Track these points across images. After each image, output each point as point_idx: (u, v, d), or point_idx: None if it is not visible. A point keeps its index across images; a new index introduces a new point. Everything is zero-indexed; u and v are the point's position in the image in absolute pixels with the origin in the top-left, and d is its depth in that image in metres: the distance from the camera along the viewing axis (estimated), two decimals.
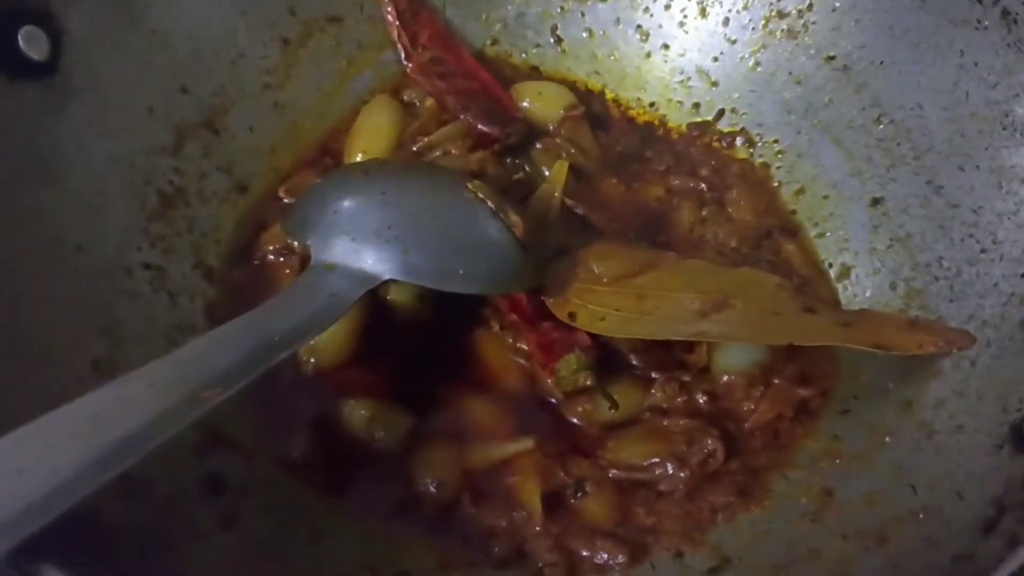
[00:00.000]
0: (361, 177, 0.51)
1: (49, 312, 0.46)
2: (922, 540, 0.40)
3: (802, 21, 0.60)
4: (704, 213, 0.59)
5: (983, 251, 0.49)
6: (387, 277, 0.47)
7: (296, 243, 0.55)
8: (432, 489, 0.48)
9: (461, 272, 0.48)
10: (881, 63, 0.56)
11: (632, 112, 0.65)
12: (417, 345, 0.53)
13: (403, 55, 0.62)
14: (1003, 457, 0.40)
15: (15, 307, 0.44)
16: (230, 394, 0.39)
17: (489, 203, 0.51)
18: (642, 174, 0.62)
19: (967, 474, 0.41)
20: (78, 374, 0.45)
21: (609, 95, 0.65)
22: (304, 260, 0.55)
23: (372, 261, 0.47)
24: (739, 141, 0.62)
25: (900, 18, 0.55)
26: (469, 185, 0.51)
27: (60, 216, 0.49)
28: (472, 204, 0.50)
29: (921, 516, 0.41)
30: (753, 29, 0.62)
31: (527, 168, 0.61)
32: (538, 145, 0.62)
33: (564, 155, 0.61)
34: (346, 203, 0.49)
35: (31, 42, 0.48)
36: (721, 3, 0.62)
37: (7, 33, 0.47)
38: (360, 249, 0.48)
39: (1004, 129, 0.50)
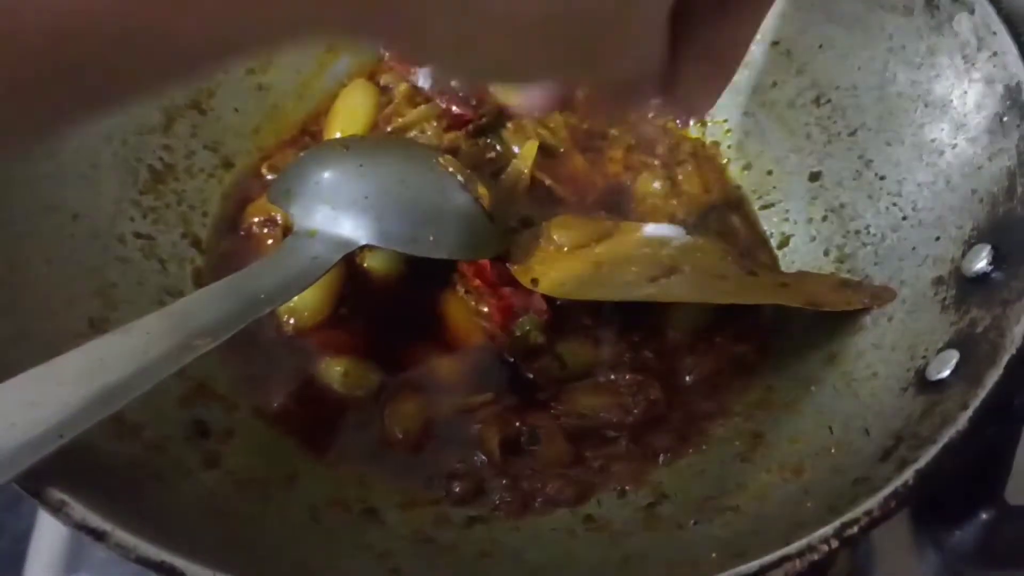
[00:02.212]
0: (341, 151, 0.56)
1: (48, 273, 0.51)
2: (831, 470, 0.44)
3: None
4: (658, 186, 0.64)
5: (904, 218, 0.53)
6: (363, 243, 0.52)
7: (279, 213, 0.59)
8: (399, 436, 0.52)
9: (431, 239, 0.53)
10: (820, 47, 0.60)
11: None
12: (389, 308, 0.58)
13: None
14: (906, 398, 0.44)
15: (16, 268, 0.49)
16: (219, 343, 0.43)
17: (458, 176, 0.55)
18: (604, 150, 0.66)
19: (875, 413, 0.45)
20: (75, 331, 0.49)
21: None
22: (286, 231, 0.59)
23: (350, 227, 0.52)
24: (692, 122, 0.66)
25: (837, 4, 0.59)
26: (440, 159, 0.56)
27: (57, 187, 0.53)
28: (442, 176, 0.55)
29: (833, 451, 0.45)
30: None
31: (498, 147, 0.65)
32: (509, 125, 0.66)
33: (534, 135, 0.65)
34: (327, 175, 0.54)
35: None
36: None
37: None
38: (339, 216, 0.52)
39: (926, 107, 0.54)
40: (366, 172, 0.54)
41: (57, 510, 0.36)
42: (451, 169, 0.55)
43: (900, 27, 0.55)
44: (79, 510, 0.35)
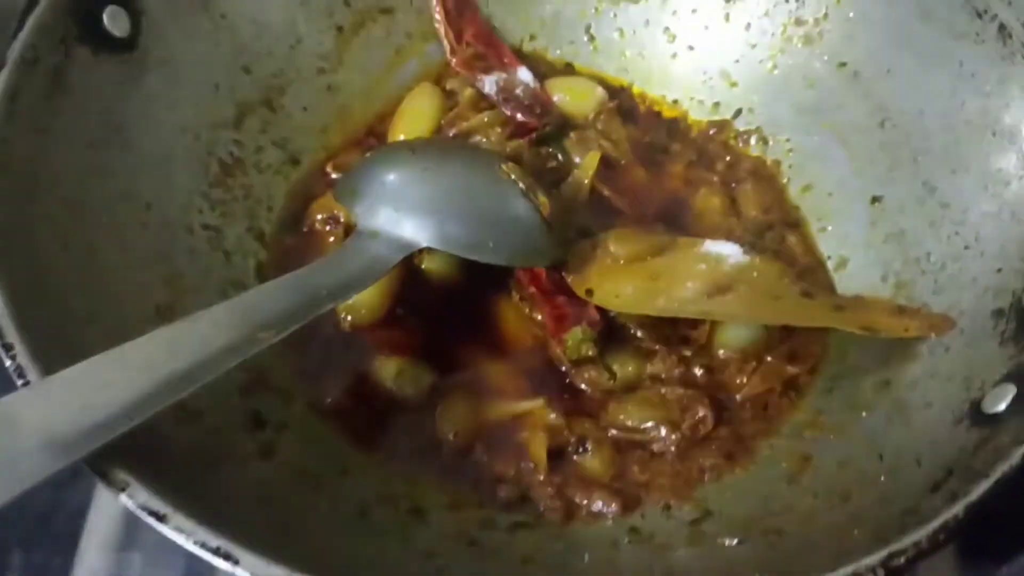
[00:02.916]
0: (407, 154, 0.57)
1: (121, 259, 0.52)
2: (879, 498, 0.44)
3: (818, 29, 0.64)
4: (716, 203, 0.64)
5: (967, 247, 0.53)
6: (424, 245, 0.53)
7: (342, 212, 0.61)
8: (450, 437, 0.53)
9: (491, 244, 0.53)
10: (888, 71, 0.60)
11: (657, 107, 0.69)
12: (445, 310, 0.59)
13: (448, 50, 0.68)
14: (960, 430, 0.44)
15: (93, 252, 0.50)
16: (282, 336, 0.44)
17: (520, 183, 0.56)
18: (665, 164, 0.67)
19: (928, 443, 0.45)
20: (143, 316, 0.51)
21: (636, 91, 0.70)
22: (348, 230, 0.60)
23: (412, 229, 0.53)
24: (753, 139, 0.66)
25: (907, 29, 0.59)
26: (503, 166, 0.57)
27: (133, 176, 0.55)
28: (504, 183, 0.56)
29: (882, 479, 0.45)
30: (772, 35, 0.66)
31: (560, 157, 0.66)
32: (572, 135, 0.66)
33: (596, 146, 0.66)
34: (392, 176, 0.55)
35: (114, 20, 0.54)
36: (744, 9, 0.67)
37: (94, 12, 0.53)
38: (401, 218, 0.53)
39: (994, 135, 0.53)
40: (430, 176, 0.55)
41: (121, 490, 0.37)
42: (513, 176, 0.56)
43: (971, 55, 0.55)
44: (142, 492, 0.37)
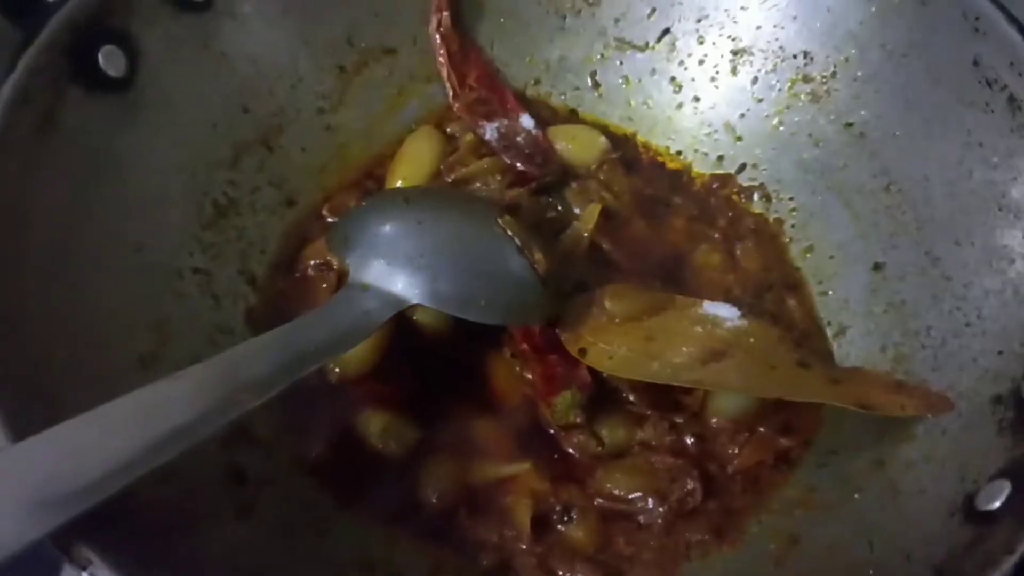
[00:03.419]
0: (402, 204, 0.56)
1: (105, 303, 0.51)
2: None
3: (825, 87, 0.63)
4: (716, 260, 0.63)
5: (968, 325, 0.52)
6: (415, 302, 0.52)
7: (336, 260, 0.60)
8: (432, 499, 0.52)
9: (483, 303, 0.52)
10: (895, 134, 0.59)
11: (660, 158, 0.68)
12: (434, 362, 0.58)
13: (451, 94, 0.67)
14: (953, 524, 0.43)
15: (74, 295, 0.49)
16: (264, 400, 0.44)
17: (516, 239, 0.55)
18: (666, 218, 0.66)
19: (919, 536, 0.44)
20: (126, 366, 0.50)
21: (640, 140, 0.69)
22: (341, 276, 0.60)
23: (403, 285, 0.52)
24: (756, 196, 0.65)
25: (915, 93, 0.58)
26: (500, 220, 0.56)
27: (123, 217, 0.54)
28: (500, 239, 0.54)
29: (871, 572, 0.44)
30: (779, 90, 0.65)
31: (559, 207, 0.65)
32: (573, 185, 0.66)
33: (597, 197, 0.65)
34: (385, 228, 0.54)
35: (110, 60, 0.54)
36: (751, 63, 0.66)
37: (89, 52, 0.53)
38: (394, 273, 0.52)
39: (1000, 210, 0.52)
40: (425, 229, 0.54)
41: (83, 568, 0.36)
42: (510, 232, 0.55)
43: (980, 123, 0.54)
44: (105, 573, 0.36)
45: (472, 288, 0.53)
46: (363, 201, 0.62)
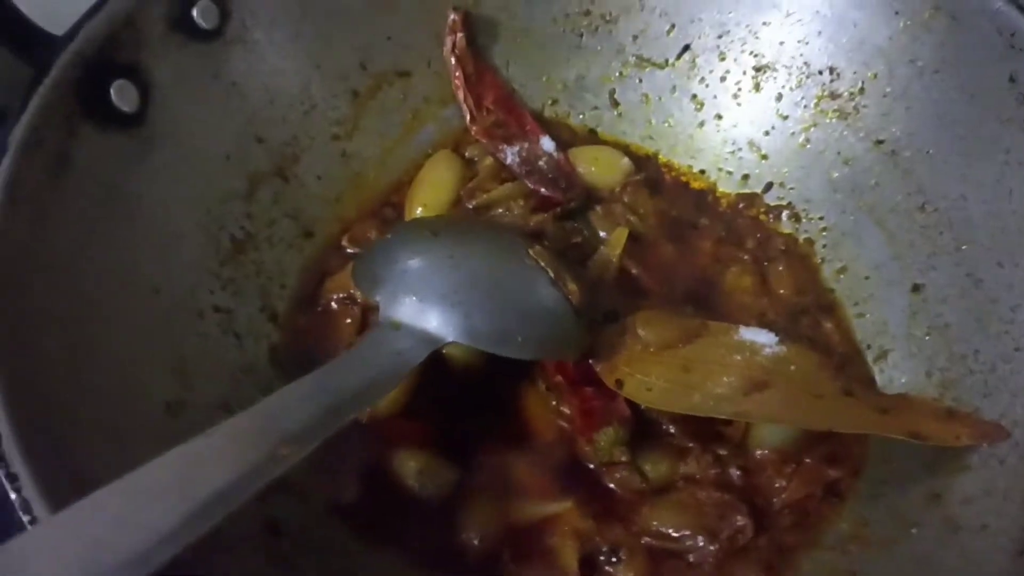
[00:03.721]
0: (430, 237, 0.54)
1: (125, 351, 0.49)
2: None
3: (853, 103, 0.61)
4: (747, 283, 0.61)
5: (1017, 349, 0.50)
6: (450, 340, 0.50)
7: (360, 293, 0.58)
8: (475, 542, 0.50)
9: (519, 339, 0.51)
10: (928, 152, 0.58)
11: (684, 178, 0.67)
12: (465, 398, 0.56)
13: (468, 117, 0.65)
14: (1021, 565, 0.42)
15: (94, 345, 0.47)
16: (308, 452, 0.41)
17: (549, 271, 0.53)
18: (694, 240, 0.64)
19: None
20: (153, 415, 0.48)
21: (662, 159, 0.68)
22: (365, 310, 0.58)
23: (437, 323, 0.50)
24: (785, 215, 0.64)
25: (949, 110, 0.57)
26: (530, 251, 0.54)
27: (139, 257, 0.52)
28: (533, 271, 0.53)
29: None
30: (805, 107, 0.63)
31: (585, 232, 0.63)
32: (597, 209, 0.64)
33: (623, 221, 0.63)
34: (415, 263, 0.52)
35: (122, 95, 0.52)
36: (775, 79, 0.64)
37: (100, 87, 0.51)
38: (426, 310, 0.50)
39: None
40: (456, 263, 0.52)
41: None
42: (542, 263, 0.53)
43: (1018, 142, 0.53)
44: None
45: (508, 323, 0.51)
46: (385, 232, 0.61)
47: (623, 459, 0.52)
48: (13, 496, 0.37)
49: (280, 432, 0.42)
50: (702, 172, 0.67)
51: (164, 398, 0.49)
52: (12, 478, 0.37)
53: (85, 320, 0.47)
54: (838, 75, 0.62)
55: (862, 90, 0.61)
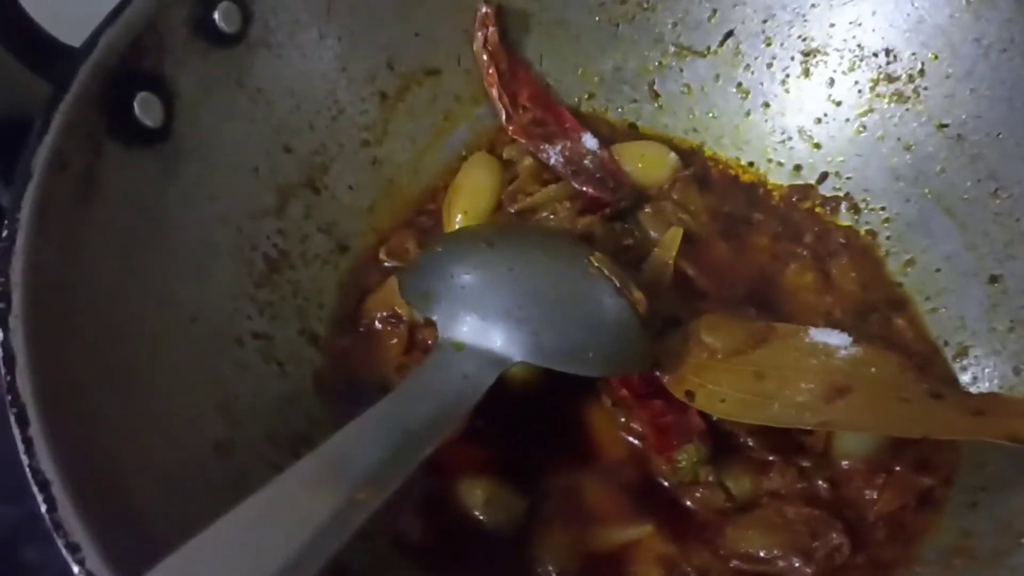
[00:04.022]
0: (485, 248, 0.50)
1: (166, 386, 0.45)
2: None
3: (912, 86, 0.58)
4: (809, 280, 0.58)
5: None
6: (518, 360, 0.46)
7: (403, 308, 0.54)
8: (554, 574, 0.47)
9: (590, 355, 0.47)
10: (998, 135, 0.55)
11: (732, 171, 0.64)
12: (525, 418, 0.53)
13: (504, 116, 0.62)
14: None
15: (133, 380, 0.43)
16: (387, 496, 0.38)
17: (614, 279, 0.50)
18: (748, 237, 0.61)
19: None
20: (201, 456, 0.45)
21: (707, 152, 0.64)
22: (412, 329, 0.54)
23: (502, 342, 0.46)
24: (843, 207, 0.61)
25: (1019, 90, 0.54)
26: (592, 259, 0.50)
27: (173, 284, 0.48)
28: (597, 280, 0.50)
29: None
30: (860, 92, 0.60)
31: (636, 233, 0.59)
32: (647, 208, 0.60)
33: (675, 220, 0.60)
34: (472, 277, 0.48)
35: (146, 109, 0.48)
36: (826, 63, 0.61)
37: (124, 100, 0.47)
38: (490, 329, 0.47)
39: None
40: (517, 276, 0.48)
41: None
42: (606, 272, 0.50)
43: None
44: None
45: (577, 339, 0.48)
46: (424, 242, 0.57)
47: (709, 478, 0.48)
48: (76, 569, 0.33)
49: (354, 474, 0.39)
50: (751, 164, 0.64)
51: (213, 438, 0.46)
52: (73, 548, 0.33)
53: (130, 360, 0.44)
54: (895, 57, 0.59)
55: (922, 72, 0.58)
